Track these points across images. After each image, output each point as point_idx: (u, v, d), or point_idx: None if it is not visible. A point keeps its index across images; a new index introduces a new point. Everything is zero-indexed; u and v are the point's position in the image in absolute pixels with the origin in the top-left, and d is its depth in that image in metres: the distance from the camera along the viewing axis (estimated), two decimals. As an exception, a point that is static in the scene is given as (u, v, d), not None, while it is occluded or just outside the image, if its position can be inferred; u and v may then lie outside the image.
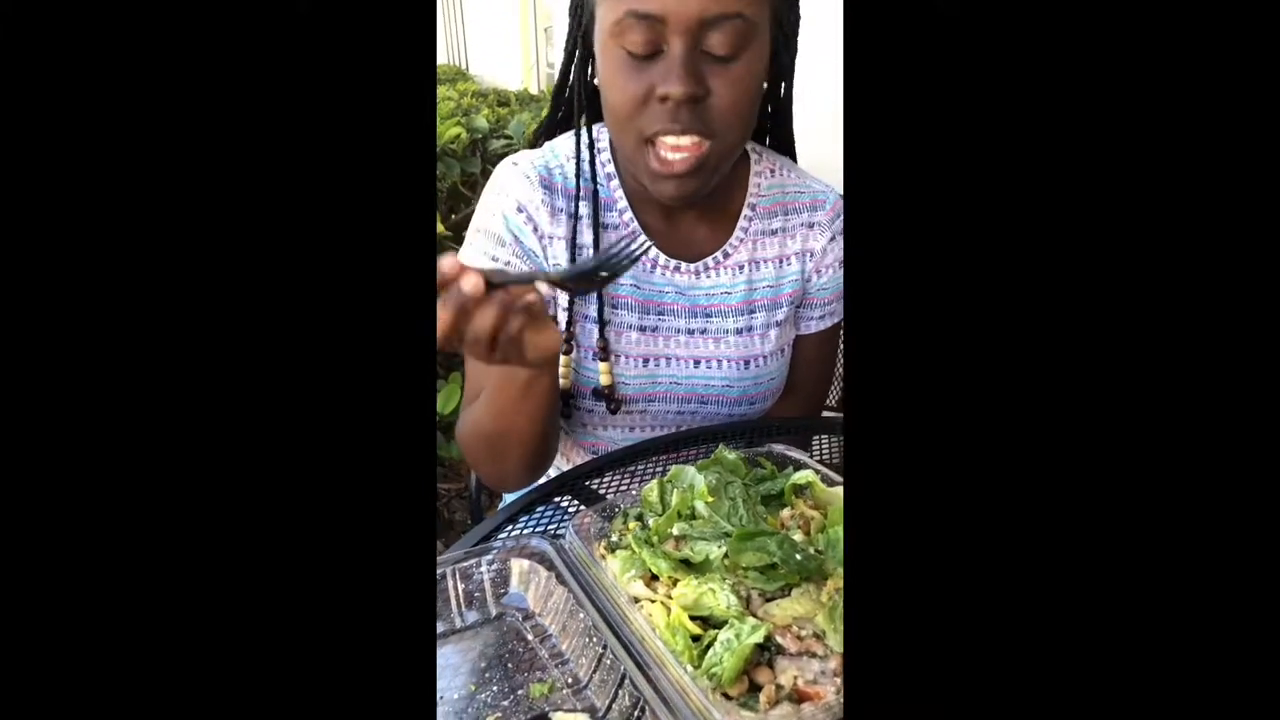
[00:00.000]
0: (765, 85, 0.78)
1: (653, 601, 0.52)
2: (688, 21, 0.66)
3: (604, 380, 0.84)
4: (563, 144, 0.84)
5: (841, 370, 1.42)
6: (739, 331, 0.87)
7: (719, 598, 0.49)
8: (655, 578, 0.53)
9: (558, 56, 0.98)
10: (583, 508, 0.72)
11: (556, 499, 0.74)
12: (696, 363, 0.86)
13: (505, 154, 1.95)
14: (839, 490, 0.61)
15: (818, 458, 0.87)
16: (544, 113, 0.98)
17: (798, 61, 0.84)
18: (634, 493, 0.64)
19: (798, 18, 0.80)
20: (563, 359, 0.83)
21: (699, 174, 0.73)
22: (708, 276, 0.86)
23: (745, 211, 0.87)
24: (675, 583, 0.52)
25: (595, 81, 0.77)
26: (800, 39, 0.82)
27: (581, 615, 0.51)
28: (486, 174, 2.04)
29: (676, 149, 0.71)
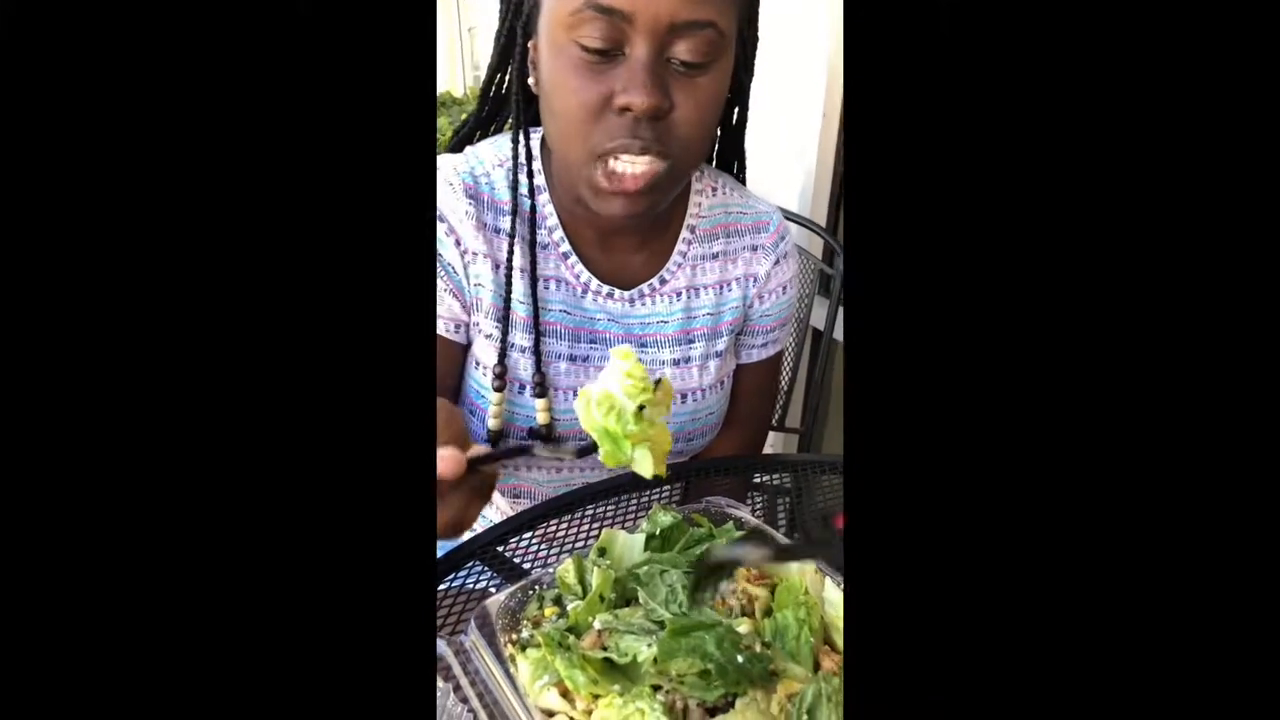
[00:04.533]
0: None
1: (570, 718, 0.43)
2: (657, 23, 0.57)
3: (541, 419, 0.74)
4: (486, 150, 0.74)
5: (842, 376, 1.36)
6: (676, 363, 0.79)
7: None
8: (573, 688, 0.44)
9: (484, 57, 0.88)
10: (495, 584, 0.62)
11: (467, 567, 0.64)
12: None
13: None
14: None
15: (761, 506, 0.79)
16: (464, 116, 0.86)
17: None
18: (560, 558, 0.55)
19: (758, 38, 0.73)
20: (494, 395, 0.73)
21: (650, 194, 0.65)
22: (643, 304, 0.77)
23: (684, 234, 0.78)
24: (596, 698, 0.43)
25: (533, 85, 0.68)
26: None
27: (483, 745, 0.42)
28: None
29: (631, 166, 0.62)
